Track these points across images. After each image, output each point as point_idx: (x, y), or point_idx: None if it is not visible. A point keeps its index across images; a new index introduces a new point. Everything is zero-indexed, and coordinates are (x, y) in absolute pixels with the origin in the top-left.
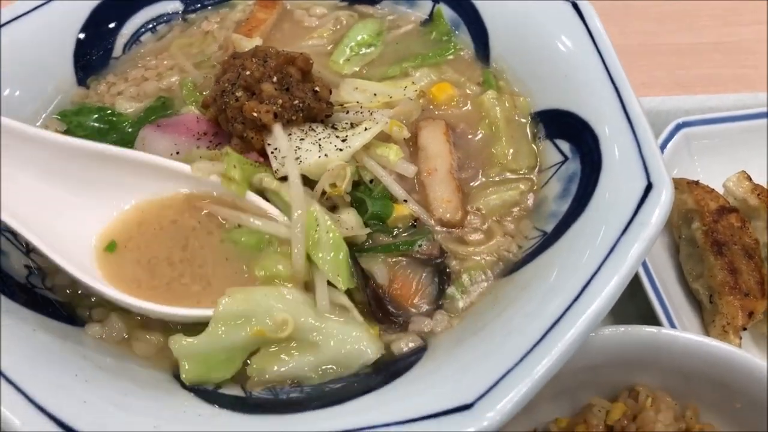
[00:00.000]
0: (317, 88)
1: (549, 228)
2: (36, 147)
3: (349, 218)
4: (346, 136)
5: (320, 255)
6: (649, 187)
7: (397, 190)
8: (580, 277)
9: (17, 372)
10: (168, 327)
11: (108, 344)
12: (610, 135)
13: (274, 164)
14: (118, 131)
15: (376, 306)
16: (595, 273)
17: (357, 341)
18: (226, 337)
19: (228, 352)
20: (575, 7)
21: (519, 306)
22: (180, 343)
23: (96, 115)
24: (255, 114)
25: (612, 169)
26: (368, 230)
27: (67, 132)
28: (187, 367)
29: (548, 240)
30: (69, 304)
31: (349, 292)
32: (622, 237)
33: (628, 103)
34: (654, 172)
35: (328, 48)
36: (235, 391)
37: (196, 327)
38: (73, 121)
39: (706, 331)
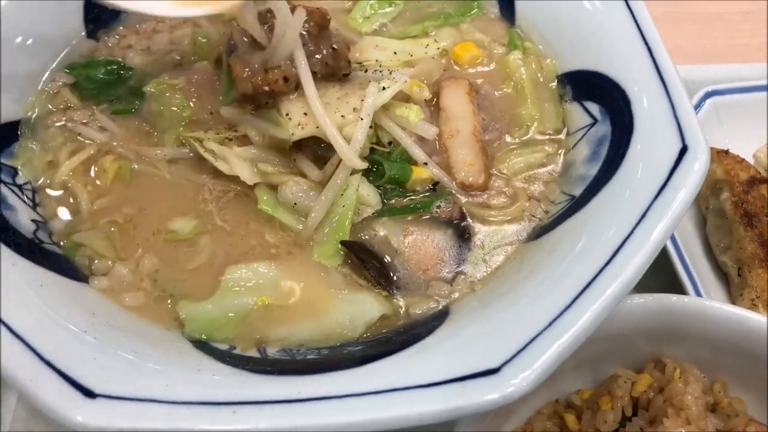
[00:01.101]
0: (335, 45)
1: (577, 192)
2: None
3: (362, 189)
4: (364, 95)
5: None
6: (684, 150)
7: (417, 153)
8: (610, 242)
9: (24, 327)
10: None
11: (117, 303)
12: (642, 96)
13: (290, 127)
14: (126, 85)
15: (384, 282)
16: (627, 238)
17: (361, 302)
18: (231, 304)
19: (231, 316)
20: None
21: (546, 270)
22: (187, 306)
23: (105, 68)
24: (266, 89)
25: (644, 131)
26: (379, 206)
27: (75, 85)
28: (191, 326)
29: (577, 204)
30: (74, 258)
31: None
32: (655, 201)
33: (661, 63)
34: (689, 134)
35: (347, 5)
36: (250, 352)
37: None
38: (82, 74)
39: (735, 305)
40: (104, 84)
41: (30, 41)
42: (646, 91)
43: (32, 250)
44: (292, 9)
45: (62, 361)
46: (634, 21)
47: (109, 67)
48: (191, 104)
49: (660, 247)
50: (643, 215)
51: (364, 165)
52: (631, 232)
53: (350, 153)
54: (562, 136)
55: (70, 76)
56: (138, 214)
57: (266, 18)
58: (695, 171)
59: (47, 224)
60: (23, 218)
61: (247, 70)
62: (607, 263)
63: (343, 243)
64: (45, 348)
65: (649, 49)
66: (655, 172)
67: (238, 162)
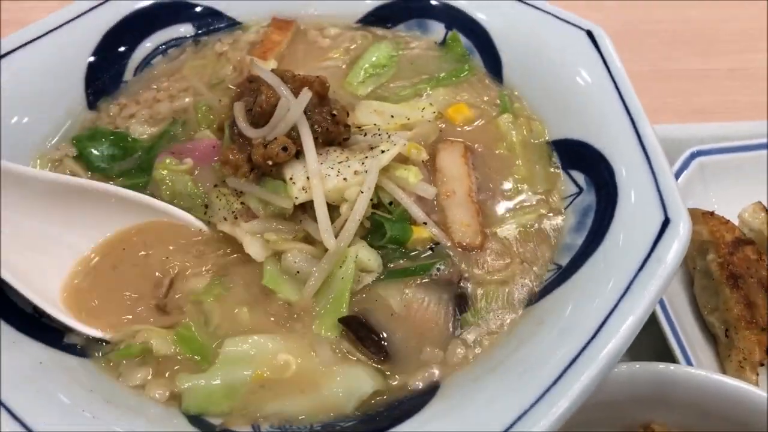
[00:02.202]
0: (335, 112)
1: (564, 261)
2: (16, 182)
3: (364, 254)
4: (365, 158)
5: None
6: (666, 222)
7: (417, 213)
8: (596, 314)
9: (22, 408)
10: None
11: (116, 380)
12: (625, 168)
13: (294, 191)
14: (132, 158)
15: (381, 356)
16: (612, 311)
17: (355, 377)
18: (227, 377)
19: (228, 390)
20: (590, 36)
21: (535, 342)
22: (185, 379)
23: (109, 141)
24: (269, 163)
25: (628, 202)
26: (380, 270)
27: (79, 157)
28: (188, 400)
29: (563, 274)
30: (74, 334)
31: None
32: (638, 274)
33: (645, 136)
34: (671, 207)
35: (343, 68)
36: (244, 428)
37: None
38: (87, 146)
39: (722, 366)
40: (110, 158)
41: (26, 119)
42: (630, 164)
43: (32, 325)
44: (291, 77)
45: None
46: (618, 94)
47: (113, 138)
48: (200, 187)
49: (645, 319)
50: (628, 287)
51: (335, 246)
52: (616, 305)
53: (327, 234)
54: (552, 198)
55: (75, 148)
56: None
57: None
58: (677, 244)
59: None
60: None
61: (240, 156)
62: (593, 337)
63: (341, 320)
64: (43, 429)
65: (633, 121)
66: (638, 244)
67: (248, 239)
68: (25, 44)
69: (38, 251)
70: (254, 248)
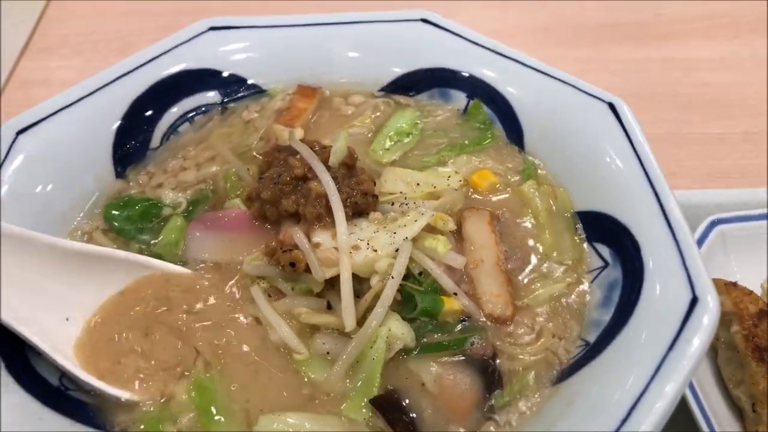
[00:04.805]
0: (363, 186)
1: (591, 338)
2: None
3: (396, 328)
4: (395, 230)
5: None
6: (694, 301)
7: (448, 283)
8: (626, 396)
9: None
10: None
11: None
12: (651, 242)
13: (316, 271)
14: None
15: None
16: (643, 392)
17: None
18: None
19: None
20: (612, 108)
21: (565, 424)
22: None
23: (143, 208)
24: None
25: (655, 279)
26: (413, 344)
27: (111, 228)
28: None
29: (591, 351)
30: (99, 407)
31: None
32: (668, 354)
33: (669, 210)
34: (698, 284)
35: (368, 135)
36: None
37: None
38: (121, 215)
39: None
40: (140, 230)
41: (50, 187)
42: (656, 238)
43: (58, 399)
44: (321, 147)
45: None
46: (641, 166)
47: (146, 205)
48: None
49: (677, 401)
50: (658, 368)
51: (353, 326)
52: (647, 387)
53: (347, 313)
54: (581, 270)
55: (103, 220)
56: None
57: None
58: (706, 324)
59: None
60: (49, 364)
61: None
62: (624, 420)
63: (371, 401)
64: None
65: (657, 195)
66: (666, 323)
67: (281, 329)
68: (54, 114)
69: (51, 312)
70: (292, 341)
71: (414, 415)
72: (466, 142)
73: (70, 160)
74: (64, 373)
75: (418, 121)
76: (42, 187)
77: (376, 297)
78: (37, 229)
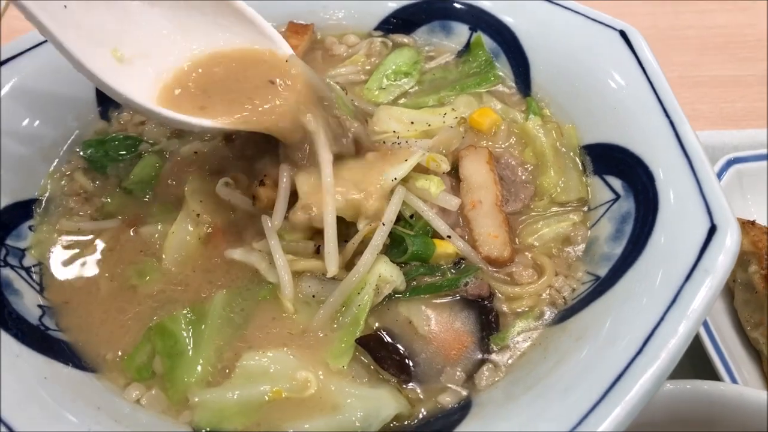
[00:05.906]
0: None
1: (602, 272)
2: None
3: (385, 271)
4: (384, 170)
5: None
6: (713, 229)
7: (441, 226)
8: (640, 329)
9: (25, 427)
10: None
11: (124, 397)
12: (666, 172)
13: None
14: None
15: (403, 376)
16: (657, 325)
17: (376, 399)
18: (246, 392)
19: (243, 407)
20: (623, 36)
21: (574, 359)
22: (198, 393)
23: (124, 144)
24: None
25: (670, 209)
26: (404, 287)
27: (89, 166)
28: (200, 415)
29: (602, 285)
30: (80, 346)
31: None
32: (685, 285)
33: (685, 137)
34: (717, 213)
35: (362, 77)
36: None
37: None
38: (99, 151)
39: None
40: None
41: (37, 122)
42: (671, 167)
43: (37, 338)
44: None
45: None
46: (655, 95)
47: (127, 142)
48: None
49: (694, 333)
50: (673, 300)
51: (336, 272)
52: (662, 319)
53: (330, 258)
54: (589, 206)
55: (83, 158)
56: None
57: None
58: (726, 252)
59: (54, 309)
60: (29, 303)
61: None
62: (638, 353)
63: (358, 340)
64: None
65: (672, 124)
66: (683, 254)
67: (264, 267)
68: (34, 47)
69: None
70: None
71: (406, 352)
72: (468, 82)
73: (53, 96)
74: (44, 312)
75: (417, 61)
76: (28, 121)
77: (365, 241)
78: (22, 163)
